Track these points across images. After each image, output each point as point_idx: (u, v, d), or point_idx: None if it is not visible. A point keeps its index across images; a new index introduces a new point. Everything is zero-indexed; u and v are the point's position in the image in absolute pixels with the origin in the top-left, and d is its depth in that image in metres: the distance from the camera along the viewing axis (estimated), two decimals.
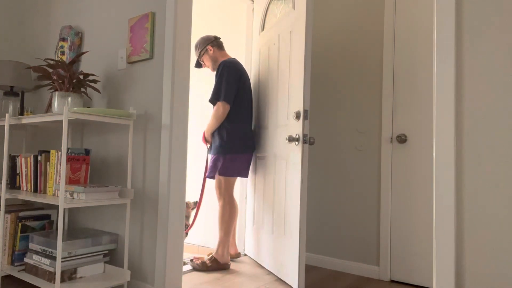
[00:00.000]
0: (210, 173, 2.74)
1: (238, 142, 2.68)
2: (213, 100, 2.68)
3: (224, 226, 2.70)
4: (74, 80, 2.18)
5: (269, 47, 2.83)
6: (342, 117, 2.84)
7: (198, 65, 2.96)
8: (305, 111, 2.27)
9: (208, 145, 2.81)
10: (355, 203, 2.74)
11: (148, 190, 2.14)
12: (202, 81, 3.38)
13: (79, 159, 2.16)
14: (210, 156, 2.80)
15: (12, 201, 2.64)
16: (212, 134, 2.74)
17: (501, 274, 1.30)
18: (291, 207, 2.36)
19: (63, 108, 1.95)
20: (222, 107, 2.63)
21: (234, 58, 2.79)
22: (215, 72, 2.79)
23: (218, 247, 2.70)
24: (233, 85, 2.65)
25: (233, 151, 2.67)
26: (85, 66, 2.55)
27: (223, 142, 2.67)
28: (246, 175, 2.78)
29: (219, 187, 2.73)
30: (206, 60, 2.87)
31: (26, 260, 2.14)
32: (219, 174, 2.71)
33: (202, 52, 2.86)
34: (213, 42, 2.86)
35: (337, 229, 2.81)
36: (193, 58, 3.44)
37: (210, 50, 2.84)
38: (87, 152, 2.21)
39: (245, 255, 3.10)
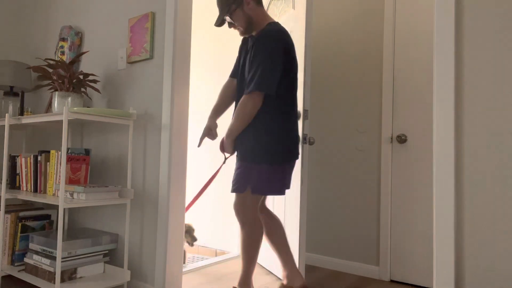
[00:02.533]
0: (238, 186, 1.92)
1: (287, 146, 1.94)
2: (252, 88, 1.84)
3: (249, 258, 1.98)
4: (74, 80, 2.18)
5: None
6: (342, 117, 2.84)
7: (221, 22, 2.02)
8: (305, 111, 2.27)
9: (227, 155, 2.06)
10: (355, 203, 2.74)
11: (148, 190, 2.14)
12: (202, 80, 3.38)
13: (79, 159, 2.16)
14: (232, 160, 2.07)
15: (12, 201, 2.64)
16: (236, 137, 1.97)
17: (501, 274, 1.30)
18: (291, 207, 2.36)
19: (63, 108, 1.95)
20: (251, 99, 1.85)
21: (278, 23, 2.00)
22: (250, 42, 1.98)
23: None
24: (279, 67, 1.87)
25: (278, 159, 1.92)
26: (85, 66, 2.55)
27: (260, 146, 1.90)
28: (284, 192, 2.01)
29: (242, 204, 1.94)
30: (239, 18, 1.97)
31: (26, 260, 2.14)
32: (253, 192, 1.91)
33: (234, 6, 1.95)
34: None
35: (337, 229, 2.81)
36: (193, 58, 3.42)
37: (248, 3, 1.95)
38: (87, 152, 2.21)
39: None
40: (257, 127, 1.90)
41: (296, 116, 2.01)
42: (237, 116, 1.89)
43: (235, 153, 2.02)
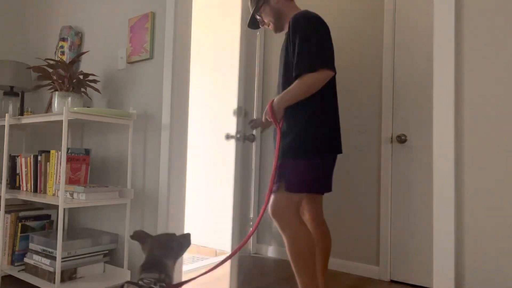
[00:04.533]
0: (274, 185, 1.71)
1: (324, 138, 1.73)
2: (310, 67, 1.64)
3: (303, 268, 1.66)
4: (74, 80, 2.18)
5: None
6: (342, 117, 2.84)
7: (254, 24, 1.97)
8: (239, 108, 2.25)
9: (279, 124, 1.74)
10: (355, 203, 2.74)
11: (148, 190, 2.14)
12: (206, 76, 3.38)
13: (79, 159, 2.16)
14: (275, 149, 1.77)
15: (12, 201, 2.64)
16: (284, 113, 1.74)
17: (501, 274, 1.30)
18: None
19: (63, 108, 1.95)
20: (319, 77, 1.64)
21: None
22: (287, 33, 1.78)
23: None
24: (330, 47, 1.72)
25: (317, 152, 1.71)
26: (85, 66, 2.55)
27: (299, 137, 1.70)
28: (329, 188, 1.84)
29: (281, 207, 1.69)
30: (266, 14, 1.89)
31: (26, 260, 2.15)
32: (288, 190, 1.68)
33: (261, 2, 1.88)
34: None
35: (337, 229, 2.81)
36: (193, 57, 3.43)
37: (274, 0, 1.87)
38: (87, 152, 2.20)
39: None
40: (298, 112, 1.70)
41: (336, 102, 1.84)
42: (297, 86, 1.65)
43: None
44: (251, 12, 1.93)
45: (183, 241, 1.49)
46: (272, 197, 1.71)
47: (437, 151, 1.42)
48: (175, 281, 1.49)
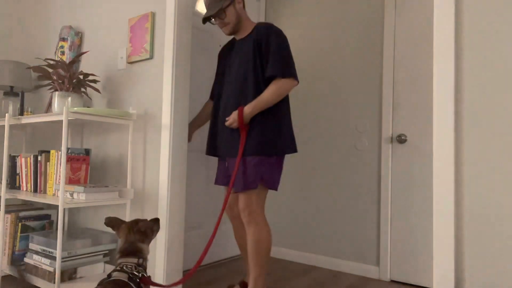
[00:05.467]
0: (249, 182, 1.84)
1: (290, 137, 1.95)
2: (284, 72, 1.84)
3: (263, 259, 1.88)
4: (74, 80, 2.18)
5: None
6: (342, 117, 2.84)
7: (207, 19, 2.00)
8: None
9: (245, 128, 1.88)
10: (355, 203, 2.74)
11: (148, 190, 2.14)
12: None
13: (79, 159, 2.16)
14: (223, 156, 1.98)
15: (12, 201, 2.64)
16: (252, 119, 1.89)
17: (500, 274, 1.30)
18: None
19: (63, 108, 1.95)
20: (291, 84, 1.86)
21: None
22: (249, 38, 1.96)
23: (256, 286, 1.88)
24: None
25: (285, 150, 1.92)
26: (85, 66, 2.55)
27: (272, 135, 1.87)
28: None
29: (250, 203, 1.87)
30: (230, 15, 1.97)
31: (26, 260, 2.15)
32: (269, 187, 1.88)
33: (228, 2, 1.95)
34: None
35: (337, 229, 2.81)
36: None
37: (239, 2, 2.00)
38: (87, 152, 2.21)
39: None
40: (268, 115, 1.87)
41: None
42: (272, 92, 1.83)
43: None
44: (211, 7, 1.96)
45: (154, 226, 1.57)
46: (242, 194, 1.87)
47: (437, 151, 1.42)
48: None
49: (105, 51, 2.44)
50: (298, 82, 1.90)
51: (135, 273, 1.37)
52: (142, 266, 1.43)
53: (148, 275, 1.45)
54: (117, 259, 1.44)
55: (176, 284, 1.51)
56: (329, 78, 2.93)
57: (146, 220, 1.55)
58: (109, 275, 1.36)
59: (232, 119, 1.86)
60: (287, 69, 1.85)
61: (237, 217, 2.10)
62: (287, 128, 1.93)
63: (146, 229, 1.52)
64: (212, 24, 2.06)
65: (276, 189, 1.90)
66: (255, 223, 1.87)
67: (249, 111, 1.83)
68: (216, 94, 2.09)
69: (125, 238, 1.50)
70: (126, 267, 1.38)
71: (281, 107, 1.91)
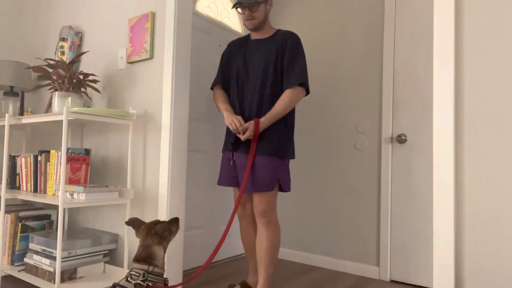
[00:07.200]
0: (266, 184, 1.89)
1: (293, 143, 2.08)
2: (301, 83, 1.95)
3: (275, 259, 1.97)
4: (74, 80, 2.18)
5: None
6: (342, 116, 2.84)
7: (239, 4, 2.02)
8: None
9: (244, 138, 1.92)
10: (355, 203, 2.74)
11: (148, 190, 2.14)
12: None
13: (79, 159, 2.16)
14: (239, 157, 2.00)
15: (12, 201, 2.64)
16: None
17: (500, 274, 1.30)
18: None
19: (63, 108, 1.95)
20: (302, 95, 2.00)
21: None
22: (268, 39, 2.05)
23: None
24: None
25: (293, 154, 2.06)
26: (85, 66, 2.56)
27: (285, 141, 1.99)
28: None
29: (269, 205, 1.93)
30: (261, 10, 2.02)
31: (26, 260, 2.14)
32: (283, 189, 1.97)
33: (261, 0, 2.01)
34: None
35: (337, 229, 2.81)
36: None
37: (270, 5, 2.08)
38: (87, 152, 2.20)
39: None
40: (281, 123, 1.98)
41: None
42: (285, 104, 1.93)
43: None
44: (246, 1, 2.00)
45: (173, 227, 1.57)
46: (258, 197, 1.92)
47: (437, 151, 1.42)
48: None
49: (105, 51, 2.44)
50: (308, 94, 2.03)
51: (141, 282, 1.36)
52: (153, 273, 1.42)
53: (164, 278, 1.44)
54: (132, 265, 1.46)
55: (182, 284, 1.53)
56: (329, 78, 2.93)
57: (165, 222, 1.55)
58: (114, 286, 1.35)
59: (250, 131, 1.90)
60: (305, 80, 1.96)
61: (247, 216, 2.11)
62: (292, 134, 2.06)
63: (163, 231, 1.51)
64: (238, 12, 2.09)
65: (289, 190, 2.01)
66: (275, 225, 1.96)
67: (265, 124, 1.92)
68: (226, 84, 2.15)
69: (142, 241, 1.51)
70: (132, 277, 1.38)
71: (291, 115, 2.04)
